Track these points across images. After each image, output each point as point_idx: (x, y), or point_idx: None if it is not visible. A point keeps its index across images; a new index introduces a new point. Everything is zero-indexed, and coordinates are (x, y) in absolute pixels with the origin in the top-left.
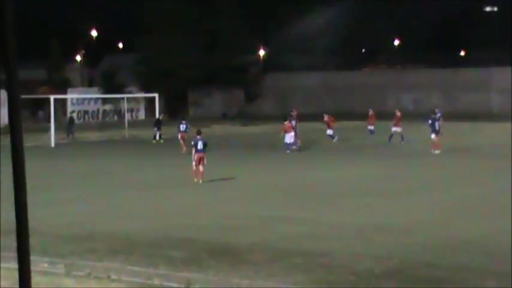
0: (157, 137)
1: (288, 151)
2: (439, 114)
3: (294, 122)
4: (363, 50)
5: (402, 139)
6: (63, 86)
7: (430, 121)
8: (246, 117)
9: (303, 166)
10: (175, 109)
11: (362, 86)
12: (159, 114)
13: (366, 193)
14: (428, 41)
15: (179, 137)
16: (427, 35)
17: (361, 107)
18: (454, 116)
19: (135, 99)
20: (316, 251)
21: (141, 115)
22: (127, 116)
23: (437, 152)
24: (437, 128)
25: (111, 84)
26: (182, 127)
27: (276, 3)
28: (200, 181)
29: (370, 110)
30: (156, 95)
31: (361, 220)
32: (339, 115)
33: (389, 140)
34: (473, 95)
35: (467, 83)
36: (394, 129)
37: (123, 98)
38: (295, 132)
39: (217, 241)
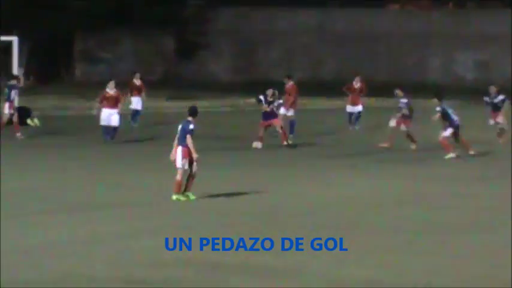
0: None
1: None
2: (501, 98)
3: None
4: None
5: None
6: None
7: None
8: (178, 84)
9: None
10: (49, 67)
11: (386, 34)
12: (24, 76)
13: None
14: None
15: (5, 111)
16: None
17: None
18: None
19: None
20: None
21: None
22: None
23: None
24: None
25: None
26: (12, 94)
27: None
28: None
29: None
30: (15, 40)
31: None
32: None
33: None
34: None
35: None
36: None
37: None
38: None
39: None
